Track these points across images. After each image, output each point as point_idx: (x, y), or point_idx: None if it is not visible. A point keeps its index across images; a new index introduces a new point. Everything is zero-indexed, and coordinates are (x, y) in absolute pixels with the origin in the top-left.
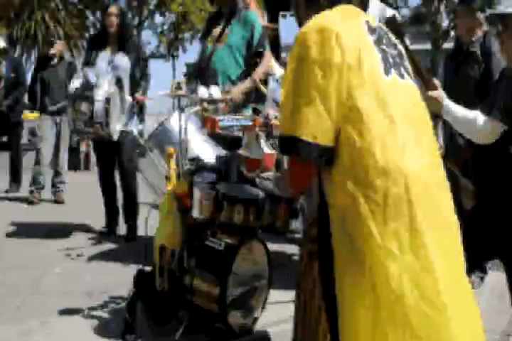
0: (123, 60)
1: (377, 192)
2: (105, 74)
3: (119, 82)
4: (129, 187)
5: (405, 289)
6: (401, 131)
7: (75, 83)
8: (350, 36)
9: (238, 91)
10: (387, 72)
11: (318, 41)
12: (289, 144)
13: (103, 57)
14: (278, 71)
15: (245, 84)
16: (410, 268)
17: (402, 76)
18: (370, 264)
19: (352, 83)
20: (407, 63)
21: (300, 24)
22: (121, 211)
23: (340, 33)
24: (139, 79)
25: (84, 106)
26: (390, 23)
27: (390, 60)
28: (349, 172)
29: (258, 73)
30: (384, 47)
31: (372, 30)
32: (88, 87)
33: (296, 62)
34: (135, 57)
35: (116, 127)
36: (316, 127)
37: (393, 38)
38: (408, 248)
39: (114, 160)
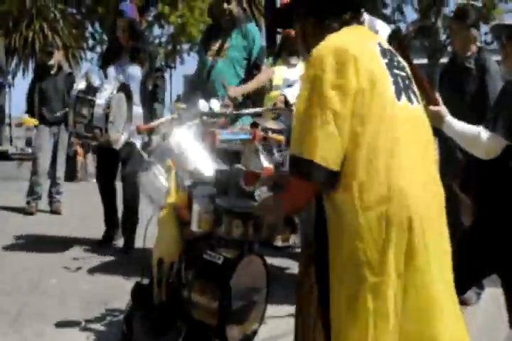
0: (134, 70)
1: (380, 216)
2: (112, 80)
3: (124, 87)
4: (130, 200)
5: (401, 314)
6: (408, 155)
7: (80, 85)
8: (366, 60)
9: (236, 91)
10: (398, 96)
11: (335, 64)
12: (298, 165)
13: (115, 67)
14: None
15: (244, 88)
16: (407, 293)
17: (410, 100)
18: (368, 287)
19: (364, 108)
20: (414, 85)
21: (308, 50)
22: (120, 222)
23: (357, 56)
24: (151, 90)
25: (84, 110)
26: (395, 36)
27: (401, 83)
28: (354, 195)
29: (256, 82)
30: (395, 70)
31: (384, 53)
32: (91, 90)
33: (311, 82)
34: (148, 68)
35: (118, 135)
36: (327, 151)
37: (401, 59)
38: (405, 273)
39: (115, 170)
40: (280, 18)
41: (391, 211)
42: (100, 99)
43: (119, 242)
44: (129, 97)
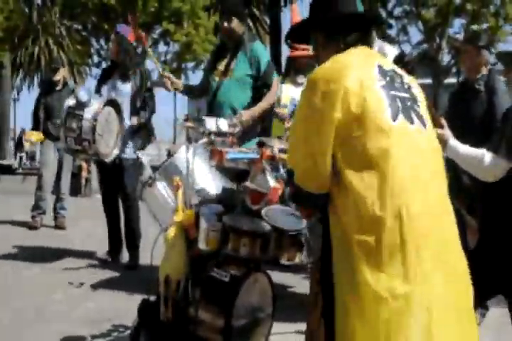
0: (124, 86)
1: (372, 238)
2: (102, 96)
3: (112, 102)
4: (130, 215)
5: (392, 336)
6: (404, 177)
7: (69, 102)
8: (357, 86)
9: (248, 115)
10: (394, 117)
11: (324, 92)
12: (298, 192)
13: (107, 84)
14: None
15: (254, 110)
16: (400, 315)
17: (411, 121)
18: (365, 307)
19: (355, 132)
20: (418, 106)
21: (318, 60)
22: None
23: (348, 87)
24: (138, 107)
25: (73, 124)
26: (398, 61)
27: (399, 104)
28: (347, 216)
29: (266, 102)
30: (394, 92)
31: (384, 74)
32: (79, 105)
33: (306, 105)
34: (138, 85)
35: (109, 149)
36: (317, 177)
37: (407, 80)
38: (401, 294)
39: (117, 185)
40: (296, 34)
41: (384, 233)
42: (88, 113)
43: (124, 258)
44: (118, 112)
